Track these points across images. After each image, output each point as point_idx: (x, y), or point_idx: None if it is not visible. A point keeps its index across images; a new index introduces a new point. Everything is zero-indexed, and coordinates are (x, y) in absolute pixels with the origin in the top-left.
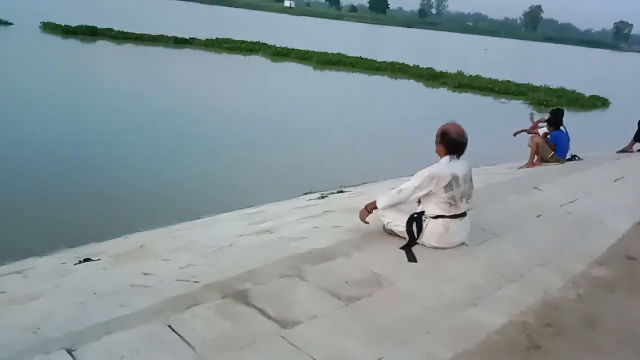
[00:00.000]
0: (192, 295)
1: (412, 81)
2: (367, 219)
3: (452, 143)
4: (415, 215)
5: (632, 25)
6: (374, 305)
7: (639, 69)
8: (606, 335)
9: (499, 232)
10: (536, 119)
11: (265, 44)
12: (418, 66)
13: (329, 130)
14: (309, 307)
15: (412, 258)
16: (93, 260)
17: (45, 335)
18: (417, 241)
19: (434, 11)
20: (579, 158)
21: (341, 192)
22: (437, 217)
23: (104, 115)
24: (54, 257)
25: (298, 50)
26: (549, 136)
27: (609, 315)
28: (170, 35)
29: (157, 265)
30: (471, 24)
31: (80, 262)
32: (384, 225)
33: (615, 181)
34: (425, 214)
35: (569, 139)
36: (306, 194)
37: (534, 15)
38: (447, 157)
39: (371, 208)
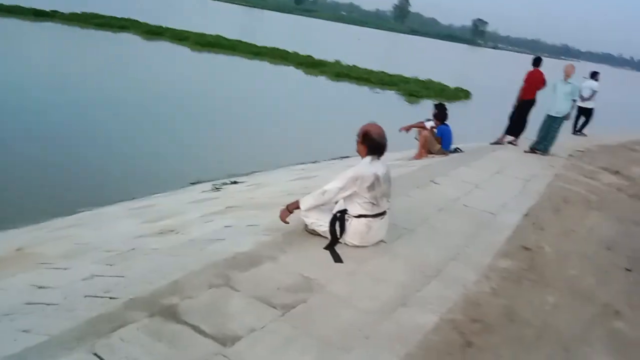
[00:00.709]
0: (115, 315)
1: (291, 67)
2: (288, 219)
3: (373, 144)
4: (338, 215)
5: (487, 23)
6: (310, 312)
7: (493, 63)
8: (527, 329)
9: (410, 227)
10: (428, 125)
11: (137, 20)
12: (297, 53)
13: (209, 115)
14: (246, 319)
15: (337, 258)
16: None
17: None
18: (340, 240)
19: None
20: (461, 150)
21: (235, 182)
22: (360, 216)
23: None
24: None
25: (173, 29)
26: (435, 129)
27: (523, 307)
28: (27, 7)
29: (52, 276)
30: (345, 14)
31: None
32: (305, 225)
33: (497, 173)
34: (348, 213)
35: (451, 132)
36: (193, 183)
37: (402, 8)
38: (369, 158)
39: (293, 208)
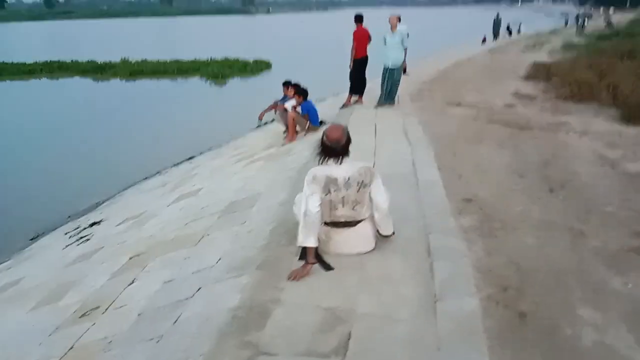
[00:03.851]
0: None
1: (76, 78)
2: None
3: (324, 147)
4: None
5: None
6: (364, 342)
7: (272, 28)
8: (539, 272)
9: None
10: (288, 105)
11: None
12: (77, 61)
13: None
14: None
15: (327, 267)
16: None
17: None
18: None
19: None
20: (326, 123)
21: (95, 223)
22: (325, 223)
23: None
24: None
25: None
26: (298, 108)
27: (522, 255)
28: None
29: None
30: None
31: None
32: None
33: (377, 134)
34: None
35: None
36: (34, 239)
37: None
38: (324, 159)
39: (309, 258)
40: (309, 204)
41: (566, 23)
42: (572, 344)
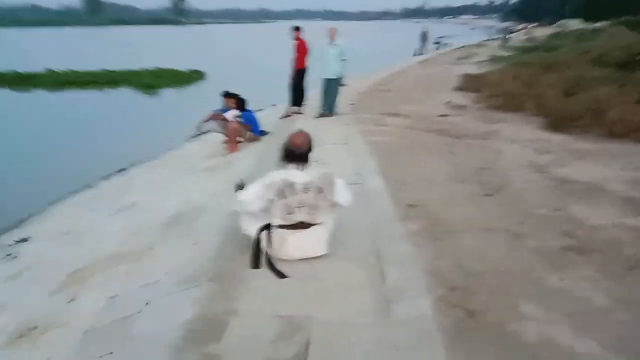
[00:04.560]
0: None
1: None
2: None
3: (286, 151)
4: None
5: (184, 1)
6: (327, 347)
7: (204, 39)
8: (482, 275)
9: None
10: (230, 115)
11: None
12: None
13: None
14: None
15: (280, 274)
16: None
17: None
18: (268, 253)
19: None
20: (268, 133)
21: (24, 240)
22: (280, 226)
23: None
24: None
25: None
26: (240, 118)
27: (466, 257)
28: None
29: None
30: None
31: None
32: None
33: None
34: (272, 223)
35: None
36: None
37: (93, 1)
38: (284, 164)
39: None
40: (251, 202)
41: (490, 37)
42: (519, 338)
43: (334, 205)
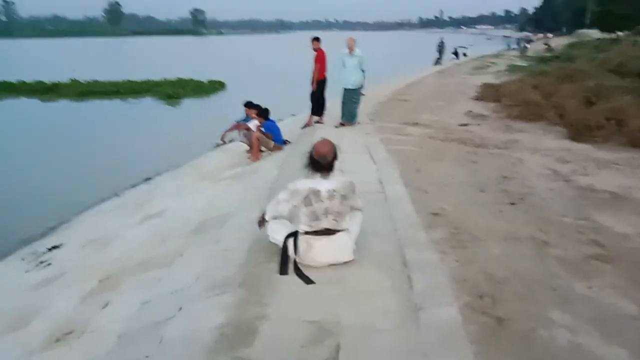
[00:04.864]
0: None
1: (23, 98)
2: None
3: (311, 161)
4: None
5: (204, 12)
6: (354, 354)
7: (225, 50)
8: (508, 283)
9: None
10: (252, 125)
11: None
12: (24, 81)
13: None
14: None
15: (307, 280)
16: None
17: None
18: (297, 260)
19: (2, 18)
20: (290, 142)
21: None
22: (306, 233)
23: None
24: None
25: None
26: (262, 128)
27: (492, 265)
28: None
29: None
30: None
31: None
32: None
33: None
34: (299, 230)
35: (277, 126)
36: None
37: (114, 11)
38: (310, 173)
39: (261, 219)
40: (283, 205)
41: (508, 46)
42: (548, 345)
43: (356, 210)
